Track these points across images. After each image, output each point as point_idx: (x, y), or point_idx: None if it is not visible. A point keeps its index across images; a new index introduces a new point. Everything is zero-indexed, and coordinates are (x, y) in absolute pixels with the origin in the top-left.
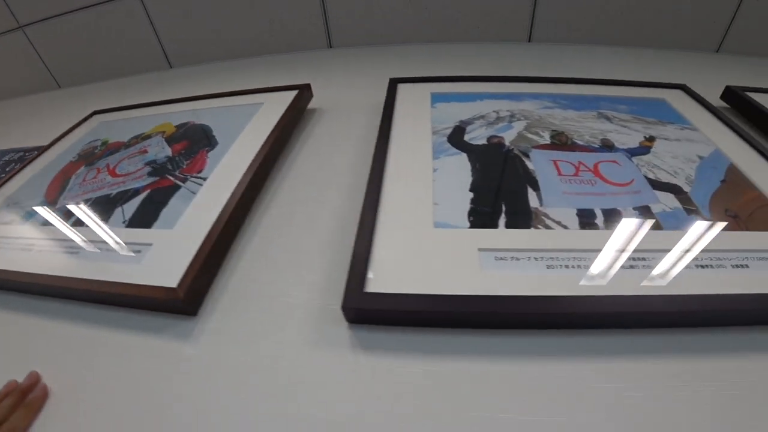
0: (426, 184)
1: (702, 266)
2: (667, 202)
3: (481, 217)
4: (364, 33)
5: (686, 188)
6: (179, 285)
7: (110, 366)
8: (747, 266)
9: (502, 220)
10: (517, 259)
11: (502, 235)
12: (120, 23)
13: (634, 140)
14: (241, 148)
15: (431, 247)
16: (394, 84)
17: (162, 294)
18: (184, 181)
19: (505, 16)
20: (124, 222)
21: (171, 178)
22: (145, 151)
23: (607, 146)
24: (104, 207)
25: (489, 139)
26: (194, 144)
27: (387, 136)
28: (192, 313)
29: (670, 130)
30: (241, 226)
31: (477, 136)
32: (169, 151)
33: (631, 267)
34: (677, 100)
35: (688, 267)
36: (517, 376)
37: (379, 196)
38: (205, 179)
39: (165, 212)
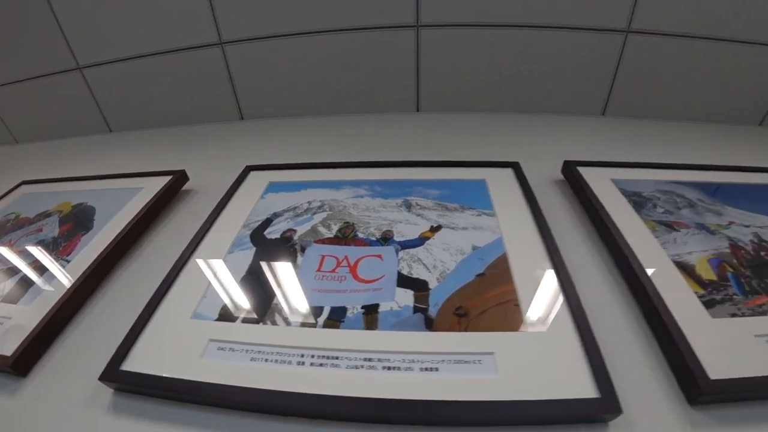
0: (206, 278)
1: (389, 368)
2: (402, 300)
3: (228, 310)
4: (275, 104)
5: (433, 284)
6: (12, 354)
7: None
8: (437, 369)
9: (243, 314)
10: (232, 350)
11: (233, 328)
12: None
13: (418, 230)
14: (106, 233)
15: (180, 335)
16: (247, 171)
17: None
18: (54, 262)
19: (393, 88)
20: (1, 297)
21: (47, 259)
22: (41, 230)
23: (386, 239)
24: None
25: (283, 233)
26: (76, 227)
27: (208, 227)
28: (22, 375)
29: (465, 216)
30: (86, 301)
31: (277, 229)
32: (56, 232)
33: (321, 365)
34: (498, 181)
35: (372, 368)
36: None
37: (171, 285)
38: (68, 262)
39: (31, 290)
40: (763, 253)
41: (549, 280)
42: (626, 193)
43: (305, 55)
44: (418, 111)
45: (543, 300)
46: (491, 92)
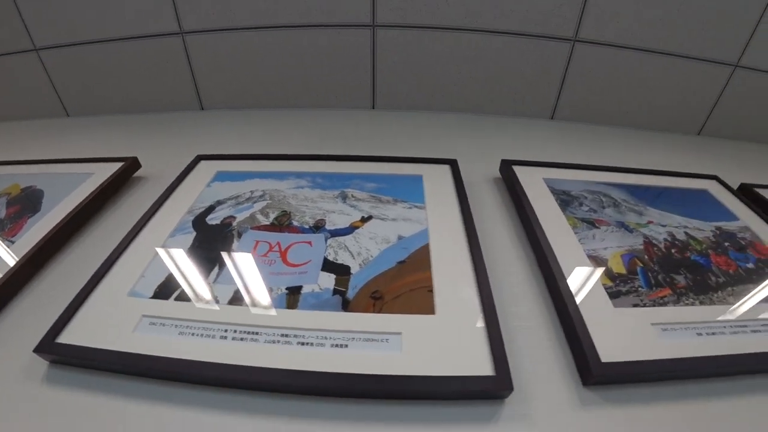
0: (147, 258)
1: (303, 344)
2: (324, 283)
3: (163, 289)
4: (234, 96)
5: (355, 269)
6: None
7: None
8: (346, 346)
9: (176, 293)
10: (163, 324)
11: (165, 305)
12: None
13: (350, 220)
14: (52, 216)
15: (116, 311)
16: (197, 160)
17: None
18: None
19: (350, 86)
20: None
21: None
22: None
23: (318, 227)
24: None
25: (223, 219)
26: (23, 209)
27: (154, 212)
28: None
29: (396, 209)
30: (28, 281)
31: (218, 216)
32: (3, 214)
33: (242, 339)
34: (434, 177)
35: (288, 343)
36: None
37: (112, 265)
38: (13, 243)
39: None
40: (674, 251)
41: (464, 269)
42: (555, 192)
43: (264, 49)
44: (373, 108)
45: (455, 286)
46: (444, 93)
